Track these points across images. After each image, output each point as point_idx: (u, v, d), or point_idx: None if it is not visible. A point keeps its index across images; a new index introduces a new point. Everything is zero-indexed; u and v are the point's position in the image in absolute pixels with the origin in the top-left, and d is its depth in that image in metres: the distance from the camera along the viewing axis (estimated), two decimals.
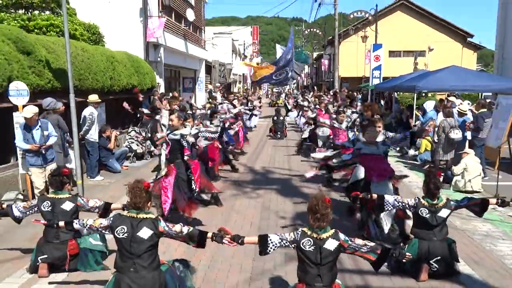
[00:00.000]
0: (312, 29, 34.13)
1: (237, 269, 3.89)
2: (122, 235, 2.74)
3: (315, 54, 44.45)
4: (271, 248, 2.79)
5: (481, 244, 4.49)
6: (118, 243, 2.79)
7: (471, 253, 4.24)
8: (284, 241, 2.78)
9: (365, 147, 4.44)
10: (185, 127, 5.01)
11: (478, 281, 3.68)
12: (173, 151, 4.95)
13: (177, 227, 2.86)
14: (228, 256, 4.18)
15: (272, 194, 6.53)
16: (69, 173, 3.98)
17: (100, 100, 7.51)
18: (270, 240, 2.80)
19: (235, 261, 4.06)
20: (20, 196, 5.53)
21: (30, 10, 8.77)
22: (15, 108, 5.70)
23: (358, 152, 4.57)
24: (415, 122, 9.88)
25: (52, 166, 5.23)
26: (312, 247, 2.68)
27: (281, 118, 13.31)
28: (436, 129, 7.34)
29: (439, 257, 3.61)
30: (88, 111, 7.16)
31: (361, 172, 4.83)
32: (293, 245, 2.76)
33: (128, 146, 8.97)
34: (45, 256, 3.67)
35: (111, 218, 2.87)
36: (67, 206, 3.77)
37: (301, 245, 2.70)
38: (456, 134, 7.26)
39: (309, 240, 2.69)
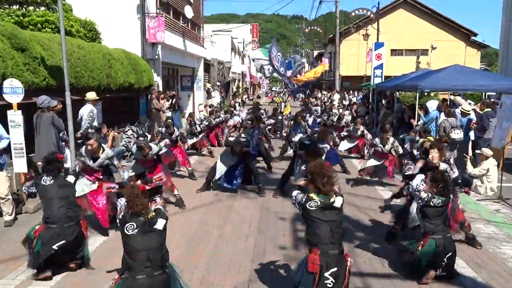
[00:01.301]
0: (312, 27, 33.98)
1: (236, 271, 3.83)
2: (132, 231, 2.68)
3: (315, 53, 44.34)
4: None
5: (484, 246, 4.41)
6: (127, 239, 2.70)
7: (474, 256, 4.17)
8: (299, 199, 2.90)
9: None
10: (103, 150, 4.75)
11: (481, 284, 3.63)
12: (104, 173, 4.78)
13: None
14: (227, 258, 4.12)
15: (272, 194, 6.42)
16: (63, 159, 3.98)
17: (98, 98, 7.42)
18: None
19: (233, 263, 3.99)
20: (15, 197, 5.43)
21: (24, 6, 8.65)
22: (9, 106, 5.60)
23: None
24: (417, 122, 9.77)
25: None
26: (319, 206, 2.78)
27: (280, 117, 13.20)
28: (437, 129, 7.25)
29: (450, 253, 3.60)
30: (87, 109, 7.05)
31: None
32: (300, 208, 2.86)
33: (125, 145, 8.86)
34: (63, 242, 3.51)
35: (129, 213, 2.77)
36: (70, 178, 3.77)
37: (308, 206, 2.78)
38: (457, 134, 7.16)
39: (316, 202, 2.79)
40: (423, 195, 3.66)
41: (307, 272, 2.75)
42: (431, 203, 3.62)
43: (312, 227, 2.80)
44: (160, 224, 2.75)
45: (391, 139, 6.60)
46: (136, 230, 2.67)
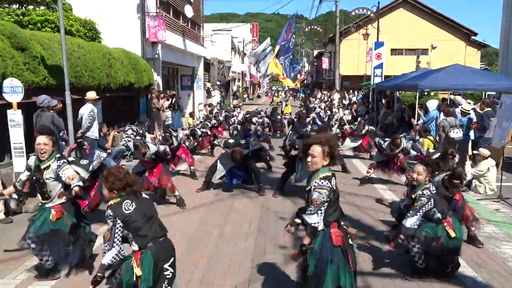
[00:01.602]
0: (312, 27, 33.97)
1: (236, 271, 3.83)
2: (132, 207, 2.69)
3: (315, 52, 44.33)
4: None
5: (484, 246, 4.41)
6: (130, 217, 2.66)
7: (474, 255, 4.17)
8: (323, 206, 2.64)
9: None
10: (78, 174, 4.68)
11: (481, 283, 3.62)
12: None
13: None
14: (227, 257, 4.12)
15: (272, 193, 6.41)
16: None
17: (98, 97, 7.42)
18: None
19: (233, 262, 3.99)
20: (15, 196, 5.42)
21: (24, 5, 8.66)
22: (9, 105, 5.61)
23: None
24: (417, 121, 9.77)
25: None
26: (335, 182, 2.75)
27: (279, 117, 13.22)
28: (437, 128, 7.25)
29: None
30: (88, 108, 7.04)
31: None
32: (331, 195, 2.66)
33: (125, 144, 8.85)
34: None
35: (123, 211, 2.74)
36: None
37: (333, 186, 2.70)
38: (456, 133, 7.16)
39: (330, 176, 2.72)
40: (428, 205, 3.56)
41: (334, 247, 2.67)
42: (429, 192, 3.60)
43: (333, 205, 2.72)
44: (143, 194, 2.91)
45: (401, 145, 6.49)
46: (134, 204, 2.74)
